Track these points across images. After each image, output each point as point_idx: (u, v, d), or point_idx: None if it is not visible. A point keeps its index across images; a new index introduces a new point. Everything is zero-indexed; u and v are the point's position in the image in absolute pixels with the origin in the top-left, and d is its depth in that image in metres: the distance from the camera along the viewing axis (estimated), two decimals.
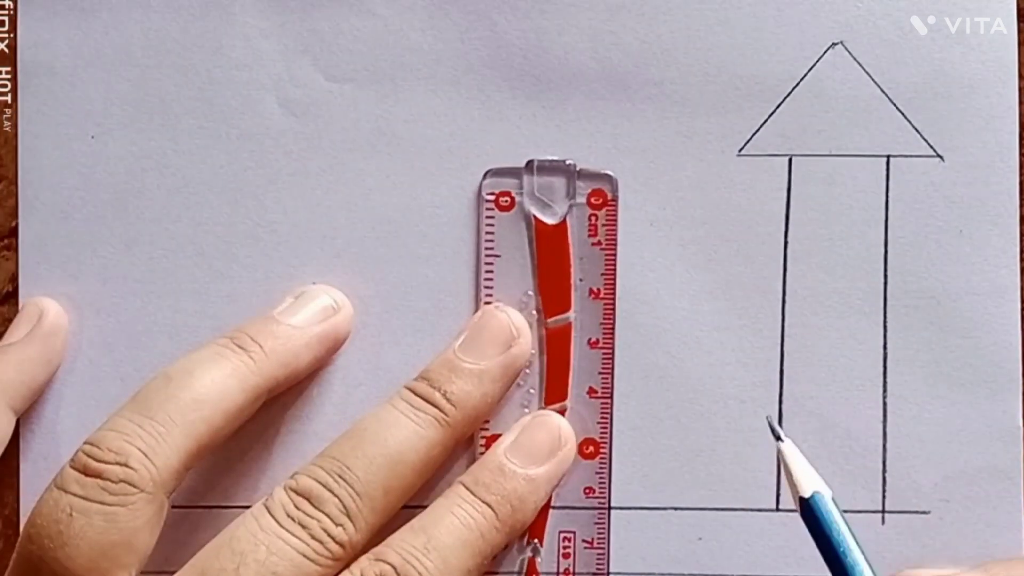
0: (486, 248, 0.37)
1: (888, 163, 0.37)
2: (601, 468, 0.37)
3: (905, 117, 0.37)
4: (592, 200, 0.37)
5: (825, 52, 0.37)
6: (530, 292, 0.37)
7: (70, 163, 0.38)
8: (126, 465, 0.32)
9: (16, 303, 0.38)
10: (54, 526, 0.32)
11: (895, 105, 0.37)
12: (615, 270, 0.37)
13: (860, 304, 0.38)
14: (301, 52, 0.38)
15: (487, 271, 0.37)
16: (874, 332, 0.37)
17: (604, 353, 0.37)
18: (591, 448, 0.37)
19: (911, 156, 0.37)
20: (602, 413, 0.37)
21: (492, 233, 0.37)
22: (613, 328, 0.37)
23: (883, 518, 0.37)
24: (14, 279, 0.38)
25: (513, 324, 0.36)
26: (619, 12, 0.37)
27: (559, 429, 0.36)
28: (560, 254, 0.37)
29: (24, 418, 0.37)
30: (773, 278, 0.38)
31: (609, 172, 0.37)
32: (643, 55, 0.37)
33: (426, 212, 0.37)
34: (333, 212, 0.38)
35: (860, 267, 0.38)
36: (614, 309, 0.37)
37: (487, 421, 0.37)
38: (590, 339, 0.37)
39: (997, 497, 0.37)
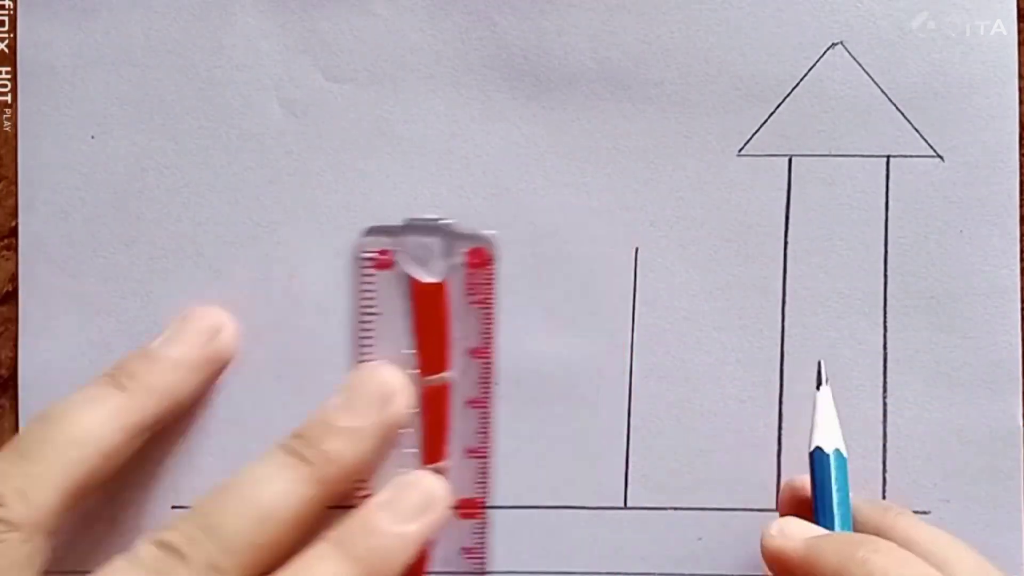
0: (362, 307, 0.37)
1: (888, 163, 0.37)
2: (480, 529, 0.37)
3: (905, 117, 0.37)
4: (471, 260, 0.37)
5: (825, 52, 0.37)
6: (408, 351, 0.37)
7: (70, 163, 0.38)
8: (1, 505, 0.32)
9: (16, 303, 0.37)
10: None
11: (895, 105, 0.37)
12: (494, 329, 0.37)
13: (860, 304, 0.38)
14: (301, 52, 0.38)
15: (364, 329, 0.37)
16: (874, 332, 0.37)
17: (482, 413, 0.37)
18: (470, 508, 0.37)
19: (911, 156, 0.37)
20: (482, 473, 0.37)
21: (371, 291, 0.37)
22: (492, 388, 0.37)
23: None
24: (14, 279, 0.38)
25: (390, 382, 0.35)
26: (619, 12, 0.37)
27: (430, 488, 0.35)
28: (438, 313, 0.37)
29: (24, 418, 0.37)
30: (773, 278, 0.38)
31: (488, 232, 0.37)
32: (643, 55, 0.37)
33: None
34: (333, 212, 0.38)
35: (860, 267, 0.38)
36: (491, 369, 0.37)
37: (365, 482, 0.36)
38: (469, 399, 0.37)
39: (997, 497, 0.37)
